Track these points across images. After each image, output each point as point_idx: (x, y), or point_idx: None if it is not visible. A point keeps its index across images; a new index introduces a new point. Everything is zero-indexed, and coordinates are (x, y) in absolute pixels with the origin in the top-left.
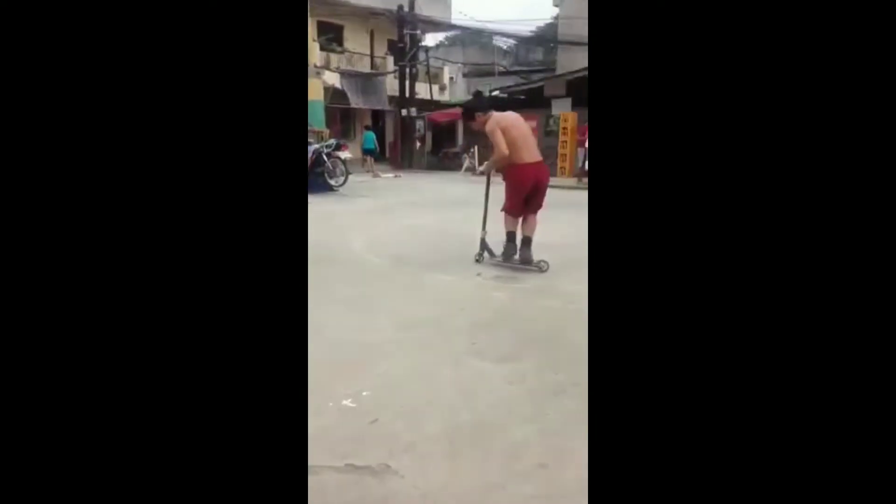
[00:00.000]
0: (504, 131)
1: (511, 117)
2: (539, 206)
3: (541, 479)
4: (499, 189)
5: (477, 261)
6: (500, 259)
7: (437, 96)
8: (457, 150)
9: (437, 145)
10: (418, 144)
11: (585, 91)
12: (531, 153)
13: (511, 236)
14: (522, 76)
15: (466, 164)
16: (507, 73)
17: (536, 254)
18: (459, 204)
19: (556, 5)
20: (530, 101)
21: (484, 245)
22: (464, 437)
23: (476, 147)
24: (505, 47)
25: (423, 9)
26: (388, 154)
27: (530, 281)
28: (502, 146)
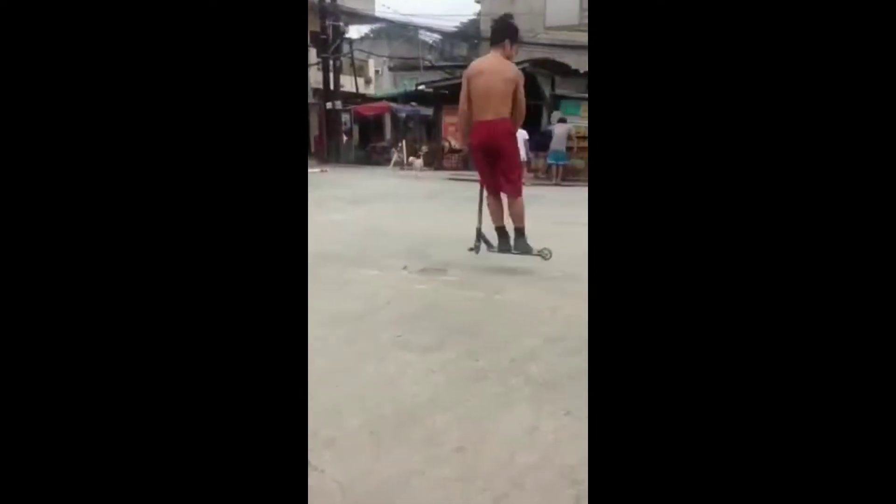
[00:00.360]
0: (469, 81)
1: (484, 63)
2: (508, 180)
3: (458, 461)
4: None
5: (470, 249)
6: (495, 250)
7: (362, 89)
8: (385, 144)
9: (365, 139)
10: (345, 138)
11: None
12: (487, 109)
13: (501, 231)
14: (447, 71)
15: (395, 158)
16: (432, 67)
17: (463, 246)
18: (388, 198)
19: (478, 1)
20: (455, 97)
21: (480, 235)
22: (385, 429)
23: (405, 141)
24: (430, 42)
25: (346, 0)
26: (313, 148)
27: (456, 273)
28: (461, 102)
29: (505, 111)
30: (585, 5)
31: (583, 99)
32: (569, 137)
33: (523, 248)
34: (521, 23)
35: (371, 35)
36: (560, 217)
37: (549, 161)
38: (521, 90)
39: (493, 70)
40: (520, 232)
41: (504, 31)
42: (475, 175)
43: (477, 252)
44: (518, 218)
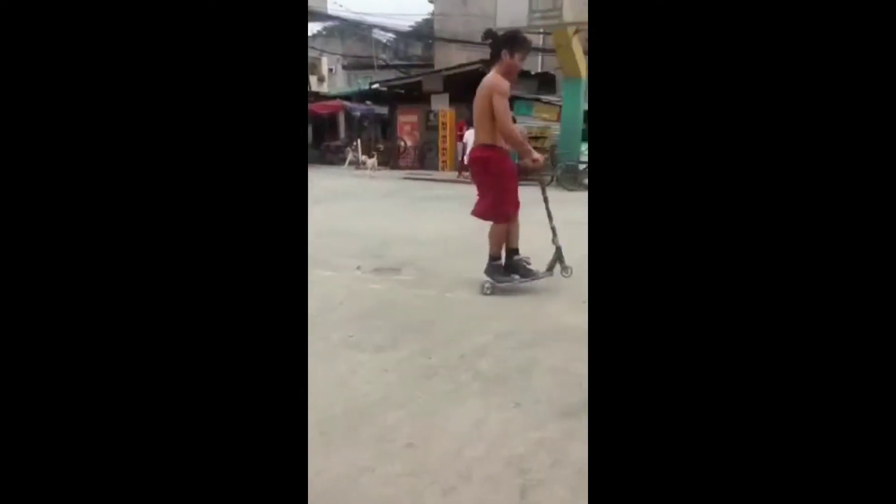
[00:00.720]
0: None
1: (479, 87)
2: (479, 203)
3: (408, 457)
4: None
5: (564, 275)
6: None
7: (315, 87)
8: (339, 143)
9: (319, 138)
10: None
11: (462, 87)
12: (476, 135)
13: (509, 252)
14: (402, 70)
15: (350, 157)
16: (386, 66)
17: (416, 248)
18: (343, 198)
19: (431, 1)
20: (410, 96)
21: (560, 255)
22: (337, 428)
23: (359, 140)
24: (384, 41)
25: None
26: None
27: (410, 272)
28: None
29: (483, 135)
30: (535, 7)
31: (535, 100)
32: None
33: (490, 272)
34: (474, 24)
35: (324, 33)
36: None
37: None
38: (496, 100)
39: (479, 91)
40: (490, 257)
41: (499, 44)
42: (431, 175)
43: (569, 273)
44: (491, 243)
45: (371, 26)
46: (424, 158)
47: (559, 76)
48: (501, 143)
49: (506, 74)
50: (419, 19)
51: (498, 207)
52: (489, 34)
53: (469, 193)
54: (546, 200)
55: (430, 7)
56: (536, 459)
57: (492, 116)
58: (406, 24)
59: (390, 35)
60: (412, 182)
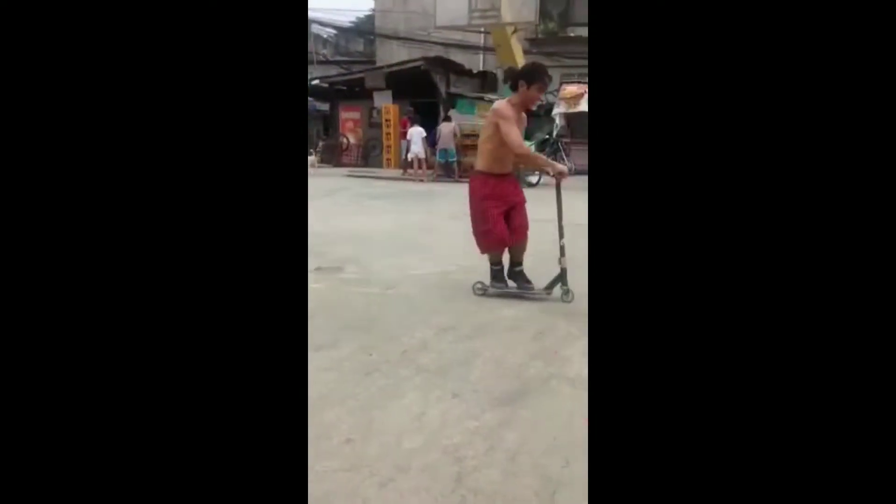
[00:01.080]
0: None
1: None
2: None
3: (346, 453)
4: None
5: (566, 300)
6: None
7: None
8: None
9: None
10: None
11: (405, 84)
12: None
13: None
14: (343, 66)
15: None
16: (327, 62)
17: (358, 246)
18: None
19: None
20: (352, 93)
21: (564, 276)
22: None
23: None
24: (325, 36)
25: None
26: None
27: (353, 270)
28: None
29: (480, 163)
30: (474, 6)
31: (478, 98)
32: (455, 135)
33: (491, 277)
34: (414, 21)
35: None
36: (454, 211)
37: (439, 159)
38: (502, 124)
39: (487, 115)
40: (490, 263)
41: (517, 76)
42: (375, 172)
43: (570, 298)
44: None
45: (311, 21)
46: (368, 156)
47: (500, 75)
48: (496, 169)
49: (522, 105)
50: (360, 15)
51: (477, 237)
52: (509, 70)
53: (414, 191)
54: (559, 201)
55: (371, 3)
56: (472, 447)
57: (488, 142)
58: (346, 19)
59: (331, 30)
60: (355, 179)
